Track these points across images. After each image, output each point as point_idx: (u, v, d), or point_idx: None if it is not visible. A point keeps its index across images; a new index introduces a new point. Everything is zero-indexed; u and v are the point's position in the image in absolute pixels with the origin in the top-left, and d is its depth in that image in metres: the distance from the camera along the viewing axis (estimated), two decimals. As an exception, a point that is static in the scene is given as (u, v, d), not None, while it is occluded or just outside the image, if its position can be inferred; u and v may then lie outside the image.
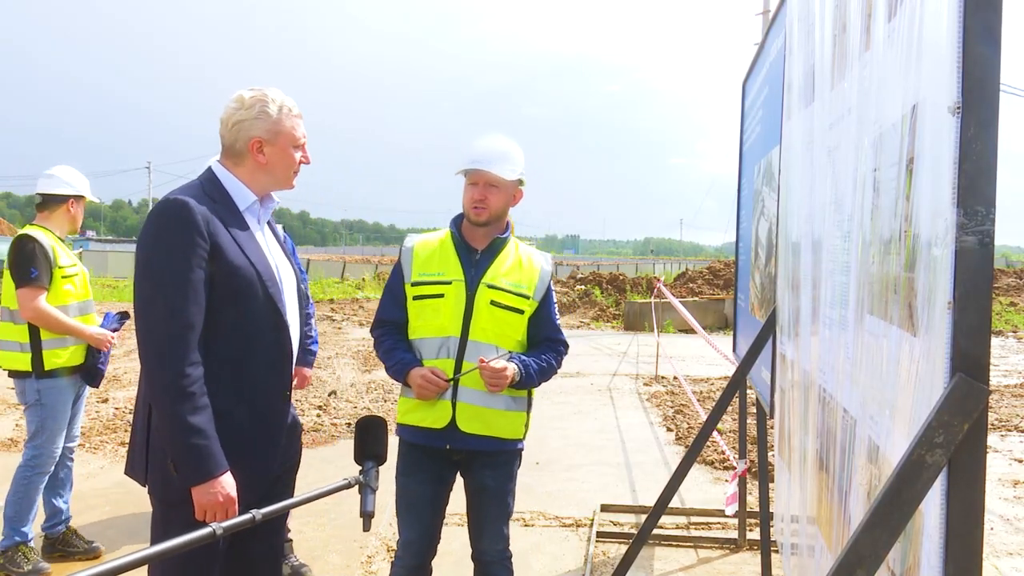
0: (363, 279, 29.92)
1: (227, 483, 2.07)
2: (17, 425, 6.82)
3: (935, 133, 1.26)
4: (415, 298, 2.72)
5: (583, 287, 21.54)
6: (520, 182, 2.78)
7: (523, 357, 2.71)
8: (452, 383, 2.63)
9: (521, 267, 2.77)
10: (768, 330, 3.05)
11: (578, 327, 17.35)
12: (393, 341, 2.74)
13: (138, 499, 4.72)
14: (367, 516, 1.83)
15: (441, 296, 2.68)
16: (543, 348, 2.79)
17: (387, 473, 2.78)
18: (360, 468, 1.89)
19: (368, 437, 1.93)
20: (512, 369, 2.62)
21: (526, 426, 2.80)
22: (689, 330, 14.01)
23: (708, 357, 11.82)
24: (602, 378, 10.20)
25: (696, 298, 18.19)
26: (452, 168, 2.80)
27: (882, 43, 1.58)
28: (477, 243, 2.76)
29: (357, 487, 1.83)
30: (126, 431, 6.70)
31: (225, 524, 1.50)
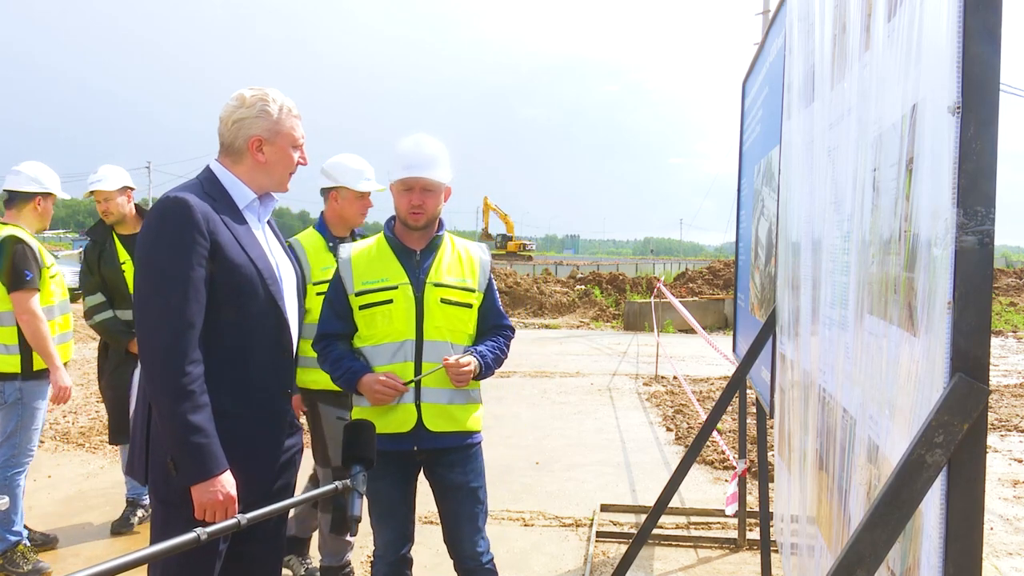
0: (363, 279, 29.85)
1: (227, 482, 2.06)
2: (17, 425, 6.81)
3: (935, 133, 1.26)
4: (362, 307, 2.71)
5: (583, 287, 21.54)
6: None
7: (478, 348, 2.75)
8: (414, 385, 2.65)
9: (461, 262, 2.80)
10: (768, 330, 3.05)
11: (578, 327, 17.35)
12: (339, 351, 2.72)
13: (138, 499, 4.72)
14: (354, 521, 1.82)
15: (390, 302, 2.68)
16: (491, 335, 2.83)
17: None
18: (347, 472, 1.88)
19: (356, 441, 1.93)
20: (474, 363, 2.66)
21: (481, 417, 2.85)
22: (689, 330, 14.03)
23: (708, 357, 11.82)
24: (602, 378, 10.20)
25: (696, 298, 18.19)
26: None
27: (882, 43, 1.58)
28: (414, 244, 2.77)
29: (344, 492, 1.82)
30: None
31: (210, 529, 1.49)
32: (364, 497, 1.86)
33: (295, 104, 2.28)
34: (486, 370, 2.73)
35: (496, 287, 2.92)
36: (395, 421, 2.67)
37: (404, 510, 2.79)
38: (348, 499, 1.83)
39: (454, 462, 2.75)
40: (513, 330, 2.93)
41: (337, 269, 2.80)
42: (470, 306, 2.77)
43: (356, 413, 2.75)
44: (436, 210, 2.75)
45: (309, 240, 3.53)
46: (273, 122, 2.21)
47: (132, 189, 4.37)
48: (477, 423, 2.80)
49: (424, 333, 2.67)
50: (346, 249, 2.84)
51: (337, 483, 1.81)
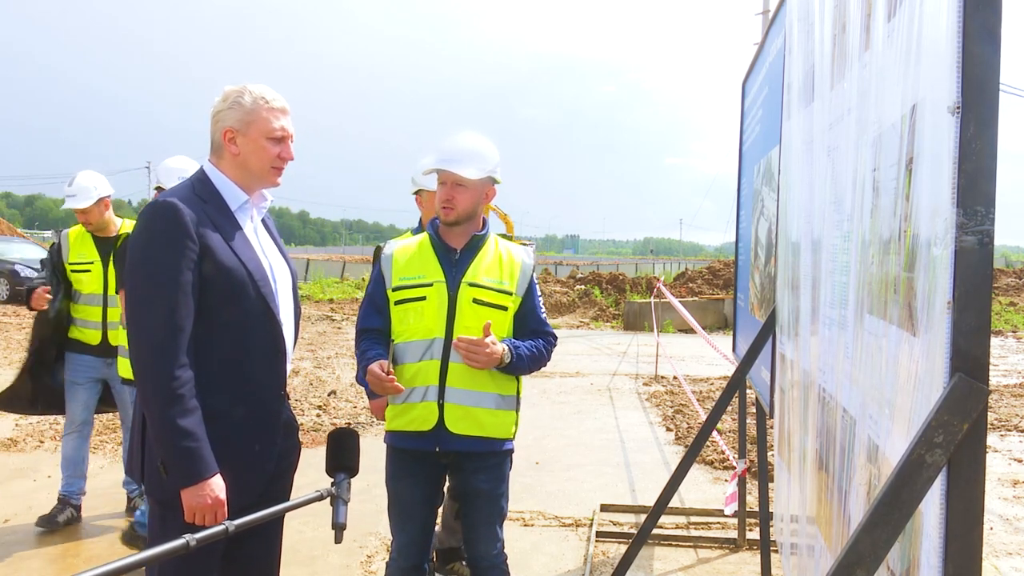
0: (363, 279, 29.90)
1: (216, 486, 2.06)
2: (17, 425, 6.82)
3: (935, 133, 1.26)
4: (397, 303, 2.70)
5: (583, 287, 21.53)
6: (492, 180, 2.75)
7: (514, 340, 2.68)
8: (438, 382, 2.61)
9: (501, 263, 2.75)
10: (768, 330, 3.05)
11: (578, 327, 17.35)
12: (367, 344, 2.72)
13: (138, 499, 4.72)
14: (339, 528, 1.82)
15: (423, 299, 2.66)
16: (530, 339, 2.75)
17: (381, 476, 2.78)
18: (332, 480, 1.88)
19: (340, 449, 1.94)
20: (501, 347, 2.58)
21: (516, 425, 2.77)
22: (689, 330, 14.02)
23: (708, 357, 11.82)
24: (602, 378, 10.20)
25: (696, 298, 18.19)
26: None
27: (882, 43, 1.58)
28: (455, 243, 2.74)
29: (329, 499, 1.83)
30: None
31: (198, 536, 1.50)
32: (347, 504, 1.86)
33: (280, 98, 2.23)
34: (518, 361, 2.63)
35: (539, 293, 2.84)
36: (416, 419, 2.63)
37: (424, 514, 2.73)
38: (334, 507, 1.83)
39: (478, 468, 2.68)
40: (555, 337, 2.83)
41: (379, 264, 2.80)
42: (504, 309, 2.70)
43: (388, 411, 2.74)
44: (468, 207, 2.69)
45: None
46: (244, 112, 2.17)
47: (108, 196, 4.44)
48: (507, 430, 2.71)
49: (454, 332, 2.62)
50: (390, 245, 2.85)
51: (321, 490, 1.82)
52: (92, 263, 4.44)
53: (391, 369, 2.58)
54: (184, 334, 2.05)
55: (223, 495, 2.07)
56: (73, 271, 4.43)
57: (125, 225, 4.54)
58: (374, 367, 2.56)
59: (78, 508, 4.55)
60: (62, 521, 4.45)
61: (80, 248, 4.46)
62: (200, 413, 2.05)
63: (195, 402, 2.04)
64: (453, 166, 2.66)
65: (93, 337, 4.44)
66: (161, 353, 2.02)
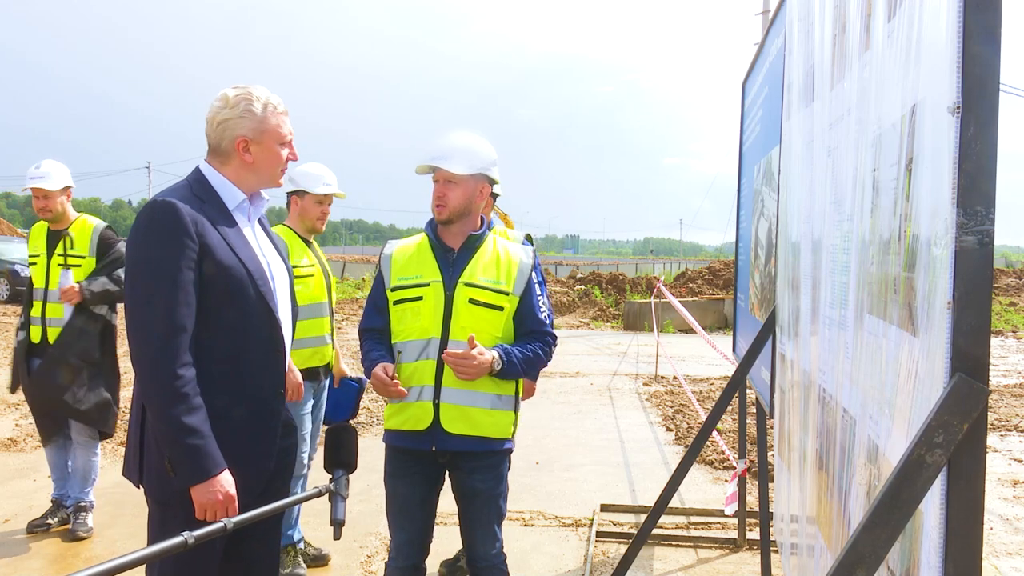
0: (363, 279, 29.88)
1: (226, 481, 2.06)
2: (17, 425, 6.82)
3: (935, 133, 1.26)
4: (395, 303, 2.71)
5: (583, 287, 21.53)
6: (486, 179, 2.73)
7: (505, 346, 2.67)
8: (434, 382, 2.62)
9: (499, 263, 2.74)
10: (768, 330, 3.05)
11: (578, 327, 17.35)
12: (370, 344, 2.75)
13: (138, 499, 4.71)
14: (337, 524, 1.83)
15: (420, 299, 2.67)
16: (527, 340, 2.74)
17: (380, 476, 2.79)
18: (330, 476, 1.88)
19: (337, 446, 1.94)
20: (490, 355, 2.57)
21: (514, 425, 2.76)
22: (689, 330, 14.02)
23: (708, 357, 11.82)
24: (602, 378, 10.20)
25: (696, 298, 18.19)
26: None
27: (881, 43, 1.58)
28: (452, 242, 2.74)
29: (327, 496, 1.83)
30: (124, 431, 6.70)
31: (197, 533, 1.50)
32: (346, 501, 1.87)
33: (281, 100, 2.25)
34: (511, 367, 2.62)
35: (536, 292, 2.80)
36: (412, 418, 2.63)
37: (422, 514, 2.73)
38: (332, 503, 1.84)
39: (475, 468, 2.69)
40: (554, 337, 2.80)
41: (379, 265, 2.81)
42: (500, 308, 2.68)
43: (386, 410, 2.75)
44: (460, 204, 2.68)
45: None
46: (258, 121, 2.19)
47: (71, 188, 4.36)
48: (505, 430, 2.70)
49: (450, 332, 2.62)
50: (390, 246, 2.85)
51: (320, 487, 1.82)
52: (39, 256, 4.32)
53: (395, 374, 2.61)
54: (186, 333, 2.05)
55: (233, 490, 2.07)
56: (29, 264, 4.39)
57: (81, 219, 4.36)
58: (378, 371, 2.59)
59: (69, 511, 4.50)
60: (53, 524, 4.43)
61: (35, 241, 4.38)
62: (204, 410, 2.05)
63: (199, 399, 2.05)
64: (441, 162, 2.66)
65: (35, 334, 4.26)
66: (163, 352, 2.02)
